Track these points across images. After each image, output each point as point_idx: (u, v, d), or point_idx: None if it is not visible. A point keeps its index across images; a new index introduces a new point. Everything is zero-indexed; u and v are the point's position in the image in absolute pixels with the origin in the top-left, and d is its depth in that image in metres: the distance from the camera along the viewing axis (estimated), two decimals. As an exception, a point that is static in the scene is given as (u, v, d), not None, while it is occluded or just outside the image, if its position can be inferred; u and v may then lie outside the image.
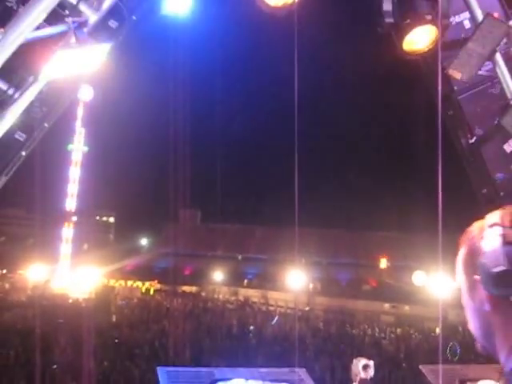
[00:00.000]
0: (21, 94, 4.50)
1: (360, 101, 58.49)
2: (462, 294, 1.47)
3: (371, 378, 2.91)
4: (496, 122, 5.27)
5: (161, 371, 2.13)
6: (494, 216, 1.41)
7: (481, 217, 1.49)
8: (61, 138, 43.98)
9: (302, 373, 2.45)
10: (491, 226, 1.38)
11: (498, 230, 1.34)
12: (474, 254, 1.40)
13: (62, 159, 48.02)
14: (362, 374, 2.84)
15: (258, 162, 64.65)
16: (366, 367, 2.86)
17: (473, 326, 1.43)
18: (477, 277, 1.36)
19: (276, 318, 25.78)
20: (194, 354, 19.20)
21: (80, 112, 46.66)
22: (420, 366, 2.70)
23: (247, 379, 2.24)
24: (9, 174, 5.15)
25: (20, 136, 5.00)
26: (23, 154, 5.17)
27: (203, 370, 2.23)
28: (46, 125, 5.35)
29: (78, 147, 48.67)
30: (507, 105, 5.15)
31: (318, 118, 54.93)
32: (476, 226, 1.46)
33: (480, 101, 5.53)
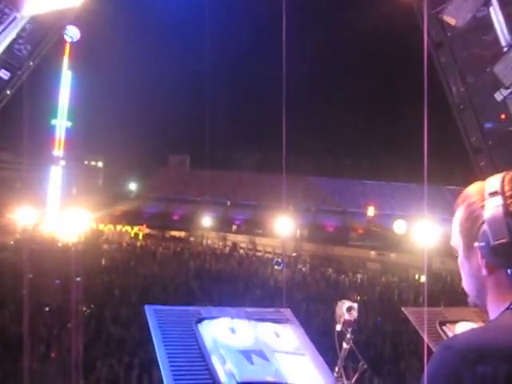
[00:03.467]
0: (2, 30, 4.35)
1: (351, 48, 57.67)
2: (457, 255, 1.52)
3: (355, 320, 2.95)
4: (488, 70, 5.19)
5: (148, 309, 2.14)
6: (495, 182, 1.40)
7: (479, 177, 1.48)
8: (48, 80, 43.05)
9: (287, 312, 2.49)
10: (492, 194, 1.37)
11: (500, 200, 1.35)
12: (474, 220, 1.41)
13: (49, 102, 47.29)
14: (346, 316, 2.88)
15: (248, 107, 64.01)
16: (350, 309, 2.89)
17: (467, 285, 1.49)
18: (476, 244, 1.38)
19: (279, 262, 26.11)
20: (182, 298, 19.56)
21: (66, 53, 45.69)
22: (402, 308, 2.75)
23: (233, 318, 2.27)
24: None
25: (4, 74, 4.87)
26: (8, 92, 5.05)
27: (190, 308, 2.25)
28: (31, 63, 5.21)
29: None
30: (500, 52, 5.07)
31: (306, 66, 54.16)
32: (475, 190, 1.46)
33: (473, 48, 5.44)
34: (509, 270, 1.32)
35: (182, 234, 50.77)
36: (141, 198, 59.90)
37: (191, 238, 49.61)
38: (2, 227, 41.85)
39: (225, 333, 2.16)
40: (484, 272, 1.38)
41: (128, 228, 49.70)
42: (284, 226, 40.47)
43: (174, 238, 49.08)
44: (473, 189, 1.47)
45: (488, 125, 5.36)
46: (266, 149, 56.18)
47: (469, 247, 1.43)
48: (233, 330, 2.19)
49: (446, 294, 25.81)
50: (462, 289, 1.51)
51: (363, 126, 58.82)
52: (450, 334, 2.50)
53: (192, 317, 2.20)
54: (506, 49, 5.27)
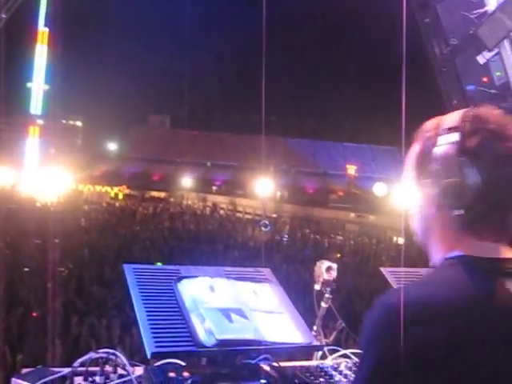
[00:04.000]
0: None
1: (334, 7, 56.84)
2: (407, 189, 1.45)
3: (334, 280, 2.98)
4: (471, 32, 5.16)
5: (127, 268, 2.13)
6: (454, 118, 1.33)
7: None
8: (21, 42, 41.90)
9: (266, 272, 2.50)
10: (449, 129, 1.30)
11: (456, 137, 1.27)
12: (425, 156, 1.33)
13: (25, 56, 46.09)
14: (326, 276, 2.90)
15: (228, 67, 63.21)
16: (329, 269, 2.92)
17: (414, 223, 1.43)
18: (426, 181, 1.32)
19: (266, 223, 26.20)
20: (162, 257, 19.61)
21: (42, 11, 44.37)
22: (380, 268, 2.77)
23: (212, 277, 2.27)
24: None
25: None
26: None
27: (169, 267, 2.24)
28: (3, 15, 5.03)
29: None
30: (485, 14, 5.03)
31: (289, 26, 53.40)
32: (432, 125, 1.38)
33: (457, 9, 5.38)
34: (455, 211, 1.26)
35: (162, 194, 50.63)
36: (120, 158, 59.35)
37: (171, 199, 49.54)
38: (-22, 187, 41.28)
39: (204, 291, 2.16)
40: (431, 211, 1.33)
41: (108, 188, 49.39)
42: (264, 188, 40.63)
43: (153, 198, 48.93)
44: (430, 123, 1.39)
45: (470, 87, 5.35)
46: (246, 110, 55.81)
47: (419, 184, 1.36)
48: (212, 289, 2.19)
49: (424, 255, 26.30)
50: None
51: (345, 89, 58.58)
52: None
53: (171, 275, 2.20)
54: (490, 11, 5.23)
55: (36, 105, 48.82)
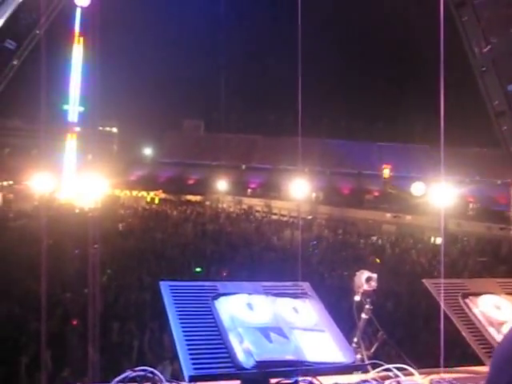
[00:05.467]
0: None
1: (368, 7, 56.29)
2: None
3: (374, 290, 2.90)
4: (512, 30, 4.98)
5: (163, 286, 2.09)
6: None
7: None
8: (59, 46, 42.81)
9: (305, 286, 2.43)
10: None
11: None
12: None
13: (61, 67, 47.03)
14: (365, 286, 2.83)
15: (262, 70, 63.23)
16: (369, 279, 2.84)
17: None
18: None
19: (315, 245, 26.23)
20: (199, 261, 19.71)
21: (77, 18, 45.22)
22: (423, 280, 2.67)
23: (250, 294, 2.21)
24: (2, 84, 4.98)
25: (10, 44, 4.76)
26: (15, 63, 4.95)
27: (206, 283, 2.20)
28: (37, 32, 5.09)
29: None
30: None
31: (324, 25, 53.05)
32: None
33: (496, 7, 5.21)
34: None
35: (198, 198, 50.98)
36: (156, 163, 59.99)
37: (207, 202, 49.81)
38: (19, 194, 42.31)
39: (242, 309, 2.10)
40: None
41: (144, 193, 49.98)
42: (299, 189, 40.43)
43: (189, 202, 49.32)
44: None
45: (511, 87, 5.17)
46: (280, 112, 55.74)
47: None
48: (250, 307, 2.13)
49: (464, 256, 25.78)
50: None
51: (379, 88, 57.90)
52: (473, 307, 2.43)
53: (208, 293, 2.16)
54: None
55: (73, 113, 49.79)
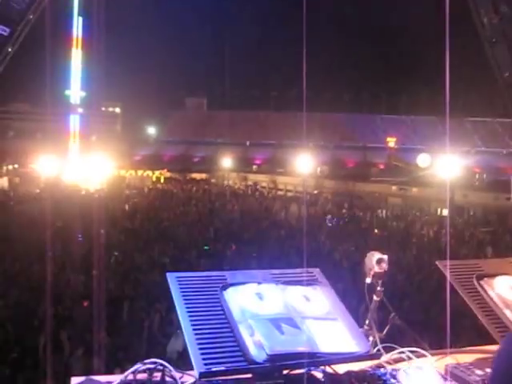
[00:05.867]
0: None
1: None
2: None
3: (385, 272, 2.85)
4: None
5: (170, 277, 2.04)
6: None
7: None
8: (56, 28, 42.33)
9: (316, 273, 2.38)
10: None
11: None
12: None
13: (61, 50, 46.65)
14: (376, 268, 2.77)
15: (264, 46, 62.60)
16: (380, 261, 2.79)
17: None
18: None
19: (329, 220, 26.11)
20: (207, 239, 19.75)
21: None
22: (436, 262, 2.62)
23: (260, 283, 2.16)
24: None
25: (3, 30, 4.65)
26: (9, 50, 4.84)
27: (214, 274, 2.15)
28: (31, 16, 4.96)
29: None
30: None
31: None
32: None
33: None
34: None
35: (203, 175, 50.94)
36: (160, 142, 59.83)
37: (212, 180, 49.79)
38: (25, 177, 42.39)
39: (252, 300, 2.05)
40: None
41: (149, 172, 49.97)
42: (304, 164, 40.29)
43: (195, 180, 49.30)
44: None
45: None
46: (283, 87, 55.31)
47: None
48: (260, 296, 2.08)
49: (470, 226, 25.72)
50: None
51: (381, 60, 57.25)
52: (489, 289, 2.37)
53: (217, 283, 2.10)
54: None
55: (75, 94, 49.59)
